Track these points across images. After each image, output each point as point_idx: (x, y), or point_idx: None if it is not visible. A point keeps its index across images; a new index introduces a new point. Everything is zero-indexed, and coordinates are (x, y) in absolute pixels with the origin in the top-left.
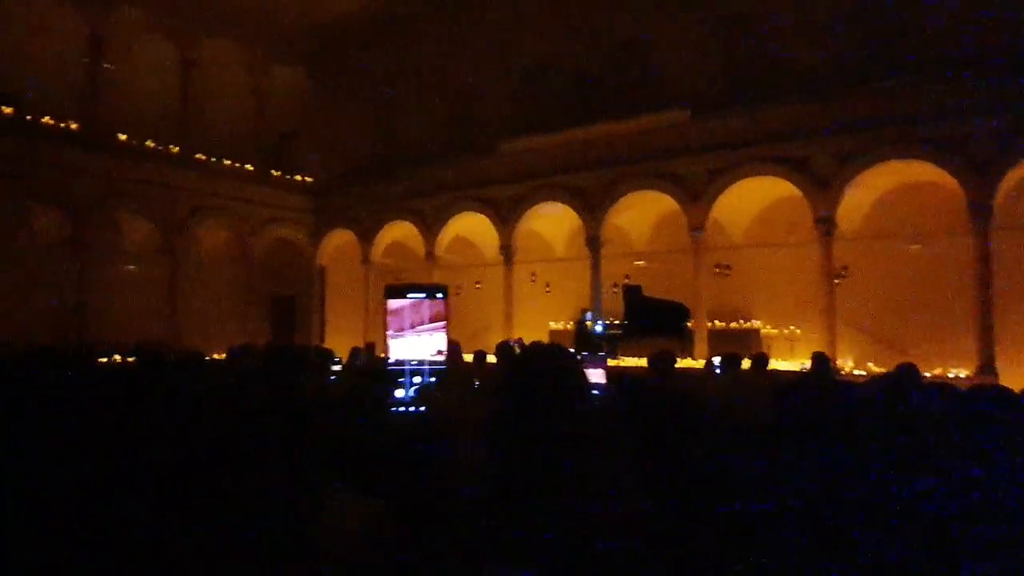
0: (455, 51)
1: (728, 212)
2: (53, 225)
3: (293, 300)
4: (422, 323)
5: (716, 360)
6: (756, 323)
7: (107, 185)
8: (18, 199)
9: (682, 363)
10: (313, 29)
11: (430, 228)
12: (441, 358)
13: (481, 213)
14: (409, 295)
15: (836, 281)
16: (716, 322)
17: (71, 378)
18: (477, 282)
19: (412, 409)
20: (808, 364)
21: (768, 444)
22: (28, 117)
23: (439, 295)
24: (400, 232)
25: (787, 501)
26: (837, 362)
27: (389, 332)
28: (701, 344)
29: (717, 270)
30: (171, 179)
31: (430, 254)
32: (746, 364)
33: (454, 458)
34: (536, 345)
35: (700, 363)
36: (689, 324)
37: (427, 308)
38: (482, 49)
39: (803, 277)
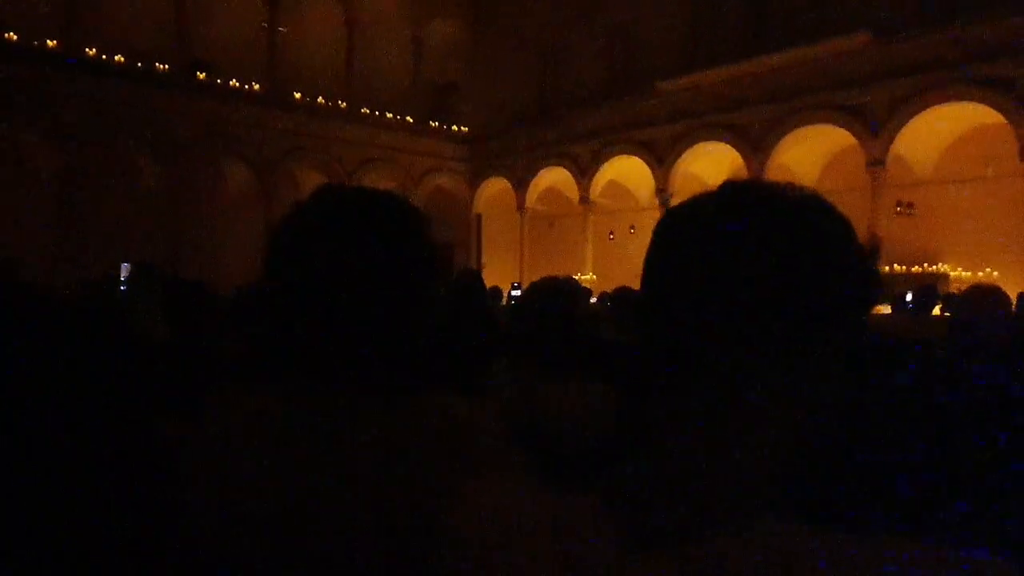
0: None
1: (913, 145)
2: (243, 181)
3: (452, 248)
4: None
5: (908, 296)
6: (943, 267)
7: (288, 141)
8: (215, 158)
9: None
10: None
11: (584, 173)
12: None
13: (636, 156)
14: None
15: None
16: (895, 266)
17: None
18: (631, 227)
19: None
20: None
21: None
22: (219, 80)
23: None
24: (554, 178)
25: None
26: None
27: None
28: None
29: (899, 209)
30: (341, 134)
31: (584, 199)
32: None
33: None
34: None
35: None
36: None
37: None
38: None
39: (1004, 214)
